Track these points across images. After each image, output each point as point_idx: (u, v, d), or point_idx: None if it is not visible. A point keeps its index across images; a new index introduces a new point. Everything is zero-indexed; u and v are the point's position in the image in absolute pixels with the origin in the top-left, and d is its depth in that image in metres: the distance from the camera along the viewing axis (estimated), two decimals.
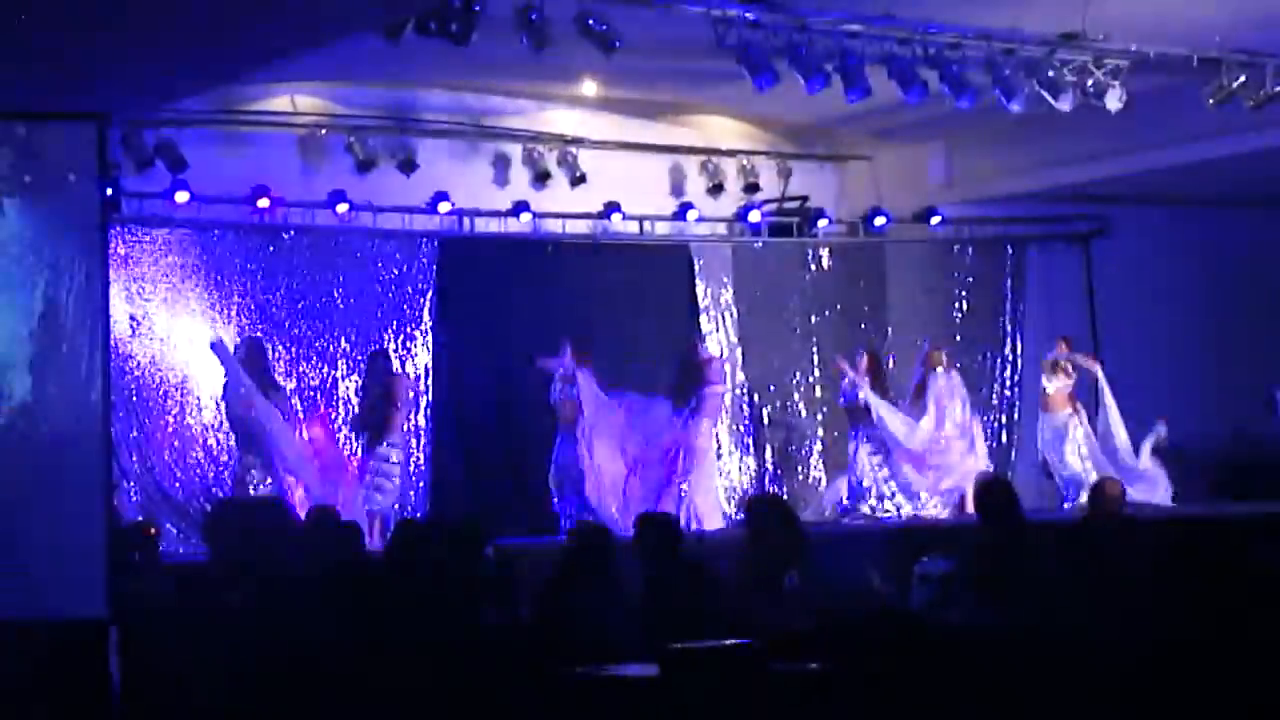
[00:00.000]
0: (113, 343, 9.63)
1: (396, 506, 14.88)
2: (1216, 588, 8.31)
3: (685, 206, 17.47)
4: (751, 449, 17.60)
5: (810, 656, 7.30)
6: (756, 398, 17.80)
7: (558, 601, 8.79)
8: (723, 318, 17.78)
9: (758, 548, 9.23)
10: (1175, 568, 9.06)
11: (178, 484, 14.92)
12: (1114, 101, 14.45)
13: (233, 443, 14.79)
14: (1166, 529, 12.84)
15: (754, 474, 17.50)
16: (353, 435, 15.32)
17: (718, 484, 16.47)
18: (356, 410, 15.37)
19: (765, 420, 17.76)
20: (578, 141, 16.95)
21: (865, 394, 16.24)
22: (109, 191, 11.04)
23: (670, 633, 7.72)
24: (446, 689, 7.65)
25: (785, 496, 16.01)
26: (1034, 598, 8.79)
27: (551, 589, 9.01)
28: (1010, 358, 18.31)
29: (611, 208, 16.90)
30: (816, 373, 17.85)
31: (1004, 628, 8.39)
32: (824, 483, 17.47)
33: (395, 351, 15.98)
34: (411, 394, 15.64)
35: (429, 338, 16.23)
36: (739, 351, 17.65)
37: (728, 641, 7.34)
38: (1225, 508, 15.80)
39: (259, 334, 15.22)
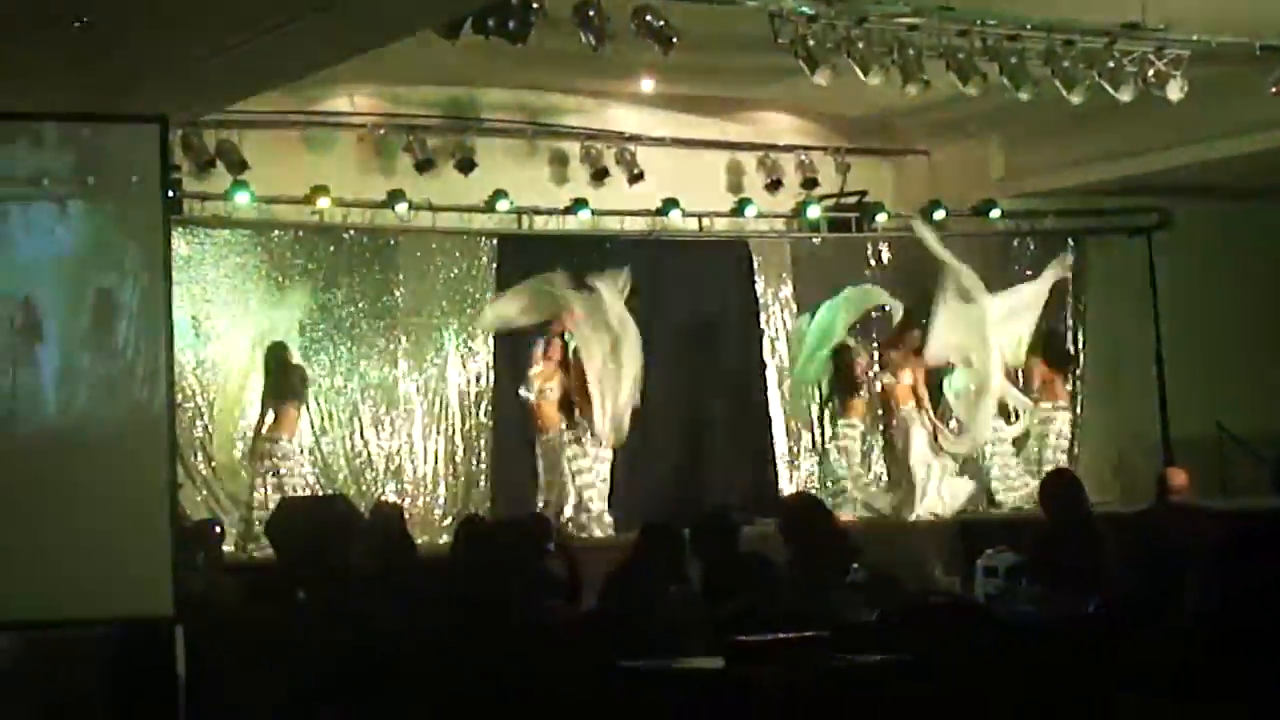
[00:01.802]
0: (175, 344, 9.63)
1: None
2: None
3: (744, 203, 17.43)
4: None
5: (876, 647, 7.28)
6: None
7: (622, 595, 8.79)
8: (781, 313, 17.73)
9: (794, 547, 9.14)
10: (1240, 558, 9.00)
11: (242, 484, 14.96)
12: (1175, 92, 14.36)
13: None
14: (1232, 519, 12.74)
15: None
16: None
17: None
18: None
19: None
20: (636, 139, 16.92)
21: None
22: (170, 193, 11.07)
23: (732, 625, 7.71)
24: (511, 683, 7.66)
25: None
26: (1100, 589, 8.74)
27: (615, 582, 9.02)
28: (1071, 351, 18.17)
29: (670, 205, 16.87)
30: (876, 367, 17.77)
31: (1070, 619, 8.37)
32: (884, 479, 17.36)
33: (457, 349, 16.08)
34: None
35: (489, 337, 16.22)
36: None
37: (792, 633, 7.31)
38: None
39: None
